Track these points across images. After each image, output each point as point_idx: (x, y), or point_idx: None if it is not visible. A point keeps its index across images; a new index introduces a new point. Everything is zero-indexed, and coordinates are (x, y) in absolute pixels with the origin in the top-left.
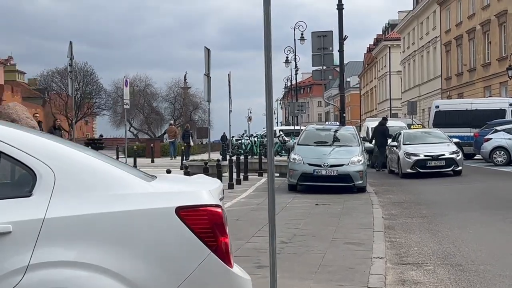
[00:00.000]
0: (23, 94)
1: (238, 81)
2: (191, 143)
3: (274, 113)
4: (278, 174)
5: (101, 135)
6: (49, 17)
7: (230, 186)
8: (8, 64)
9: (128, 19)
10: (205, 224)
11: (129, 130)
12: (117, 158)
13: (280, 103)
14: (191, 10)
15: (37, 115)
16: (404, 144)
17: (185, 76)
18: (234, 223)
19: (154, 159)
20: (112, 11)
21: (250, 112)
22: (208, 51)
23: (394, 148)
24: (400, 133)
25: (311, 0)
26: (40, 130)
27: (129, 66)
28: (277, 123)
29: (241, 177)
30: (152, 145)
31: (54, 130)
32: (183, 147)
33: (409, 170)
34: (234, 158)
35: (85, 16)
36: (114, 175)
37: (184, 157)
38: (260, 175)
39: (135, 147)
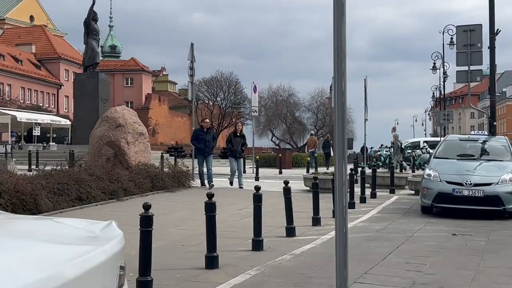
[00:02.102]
0: (171, 103)
1: (386, 91)
2: (331, 154)
3: (422, 124)
4: (413, 192)
5: (176, 142)
6: (203, 30)
7: (351, 205)
8: (161, 74)
9: (278, 31)
10: None
11: (271, 140)
12: (244, 167)
13: (429, 114)
14: None
15: (207, 120)
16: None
17: (330, 87)
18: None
19: (284, 170)
20: (263, 24)
21: (397, 123)
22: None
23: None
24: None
25: (464, 8)
26: (207, 135)
27: (276, 77)
28: (425, 134)
29: (368, 194)
30: (280, 155)
31: (234, 137)
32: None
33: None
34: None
35: (237, 29)
36: None
37: (327, 167)
38: (392, 192)
39: (257, 157)
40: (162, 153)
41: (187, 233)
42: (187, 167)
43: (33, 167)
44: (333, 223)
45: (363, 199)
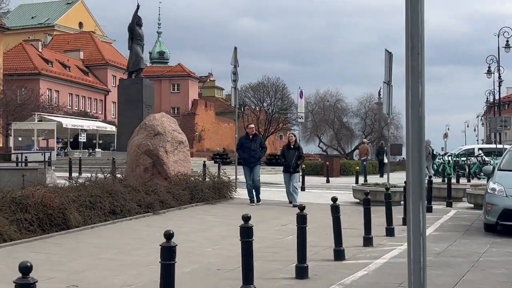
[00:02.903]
0: (218, 109)
1: (435, 96)
2: (385, 160)
3: (474, 130)
4: (472, 205)
5: (223, 149)
6: (251, 36)
7: (405, 222)
8: (208, 80)
9: (326, 36)
10: None
11: (318, 146)
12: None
13: (481, 119)
14: (390, 26)
15: (252, 126)
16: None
17: (379, 92)
18: None
19: (331, 178)
20: (311, 29)
21: (448, 128)
22: (389, 54)
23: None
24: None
25: None
26: (252, 143)
27: (323, 82)
28: (477, 141)
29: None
30: (327, 163)
31: (288, 150)
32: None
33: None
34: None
35: (285, 34)
36: None
37: (379, 175)
38: (449, 205)
39: (303, 165)
40: (204, 162)
41: (224, 253)
42: (229, 177)
43: (75, 174)
44: (387, 243)
45: None
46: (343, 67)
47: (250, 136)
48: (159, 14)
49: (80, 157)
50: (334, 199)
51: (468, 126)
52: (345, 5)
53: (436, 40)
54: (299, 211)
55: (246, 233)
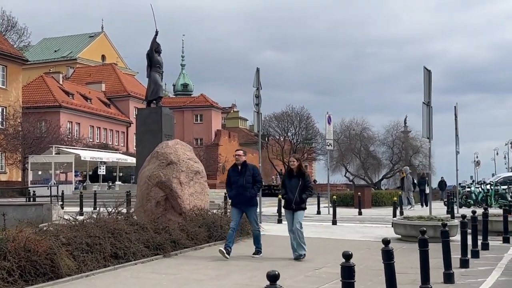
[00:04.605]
0: (241, 139)
1: (462, 124)
2: (427, 191)
3: (505, 157)
4: None
5: (314, 180)
6: (274, 67)
7: (463, 264)
8: (231, 111)
9: (349, 66)
10: None
11: (344, 175)
12: (318, 207)
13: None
14: (413, 55)
15: (240, 153)
16: None
17: (405, 120)
18: None
19: (363, 209)
20: (333, 59)
21: (477, 156)
22: (428, 72)
23: None
24: None
25: None
26: (240, 176)
27: (347, 112)
28: (506, 168)
29: (479, 245)
30: (359, 193)
31: (288, 178)
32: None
33: None
34: (469, 214)
35: (307, 65)
36: None
37: (421, 205)
38: (507, 240)
39: (334, 196)
40: (225, 194)
41: None
42: None
43: (89, 209)
44: None
45: (475, 253)
46: (367, 96)
47: (239, 167)
48: (183, 47)
49: (95, 191)
50: (386, 242)
51: (497, 153)
52: (365, 35)
53: (459, 68)
54: (344, 260)
55: None
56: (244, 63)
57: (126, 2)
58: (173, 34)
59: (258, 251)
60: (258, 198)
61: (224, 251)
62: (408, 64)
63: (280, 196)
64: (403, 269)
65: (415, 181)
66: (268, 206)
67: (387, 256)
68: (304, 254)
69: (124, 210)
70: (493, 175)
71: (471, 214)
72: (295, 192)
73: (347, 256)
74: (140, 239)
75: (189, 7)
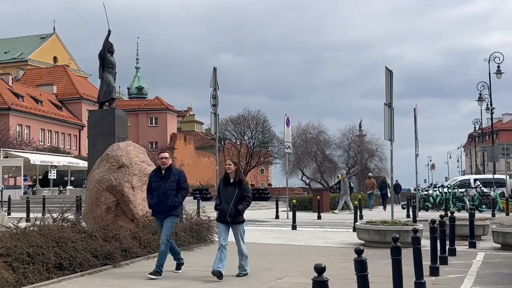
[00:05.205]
0: (197, 143)
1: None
2: (388, 194)
3: (458, 160)
4: (499, 245)
5: (269, 184)
6: (230, 71)
7: (433, 272)
8: (188, 115)
9: (307, 71)
10: None
11: (301, 179)
12: (277, 212)
13: (464, 150)
14: (368, 60)
15: (165, 155)
16: None
17: (360, 124)
18: None
19: (322, 213)
20: (291, 64)
21: (430, 160)
22: (390, 72)
23: None
24: None
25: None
26: (163, 181)
27: (303, 117)
28: (459, 172)
29: (446, 251)
30: (318, 197)
31: (224, 186)
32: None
33: None
34: (436, 218)
35: (264, 69)
36: None
37: (384, 208)
38: (473, 245)
39: (294, 200)
40: None
41: None
42: (209, 217)
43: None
44: None
45: (443, 260)
46: (323, 101)
47: (163, 172)
48: (137, 50)
49: (44, 196)
50: (359, 251)
51: (450, 157)
52: (321, 40)
53: (413, 74)
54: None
55: None
56: (200, 66)
57: (79, 3)
58: (128, 37)
59: (156, 271)
60: (182, 208)
61: (154, 271)
62: (363, 69)
63: (215, 206)
64: (371, 278)
65: (352, 185)
66: None
67: (360, 267)
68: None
69: (72, 217)
70: (446, 178)
71: (439, 219)
72: (231, 202)
73: (320, 269)
74: (88, 248)
75: (144, 10)
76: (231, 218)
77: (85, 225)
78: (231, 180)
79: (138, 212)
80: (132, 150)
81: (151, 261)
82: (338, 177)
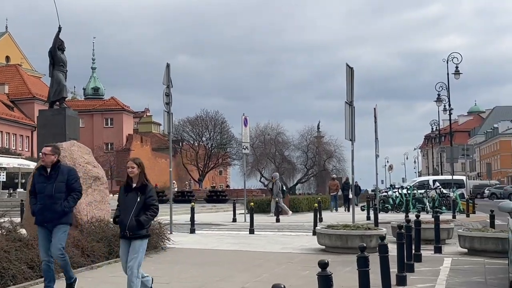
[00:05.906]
0: (154, 144)
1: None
2: (350, 196)
3: (415, 161)
4: (466, 250)
5: (227, 186)
6: (188, 73)
7: (401, 281)
8: (145, 116)
9: (265, 72)
10: None
11: (260, 181)
12: (234, 215)
13: (420, 151)
14: (325, 62)
15: (48, 149)
16: None
17: (318, 125)
18: None
19: (281, 216)
20: (249, 66)
21: (387, 161)
22: (350, 70)
23: None
24: None
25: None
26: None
27: (262, 118)
28: (415, 172)
29: (412, 257)
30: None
31: (125, 192)
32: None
33: None
34: (404, 224)
35: (222, 70)
36: None
37: (345, 209)
38: (438, 250)
39: (252, 203)
40: None
41: None
42: (160, 222)
43: None
44: None
45: (410, 267)
46: (281, 102)
47: (48, 170)
48: (93, 50)
49: None
50: (323, 264)
51: (407, 158)
52: (279, 42)
53: (369, 76)
54: None
55: None
56: (158, 67)
57: (33, 1)
58: (84, 37)
59: (70, 284)
60: (73, 214)
61: None
62: (321, 70)
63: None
64: None
65: (284, 188)
66: (180, 214)
67: (325, 283)
68: None
69: (8, 224)
70: (403, 179)
71: (405, 223)
72: (131, 212)
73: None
74: (23, 258)
75: (101, 10)
76: (131, 231)
77: (25, 232)
78: (134, 185)
79: (83, 218)
80: (76, 151)
81: (94, 271)
82: (271, 178)
